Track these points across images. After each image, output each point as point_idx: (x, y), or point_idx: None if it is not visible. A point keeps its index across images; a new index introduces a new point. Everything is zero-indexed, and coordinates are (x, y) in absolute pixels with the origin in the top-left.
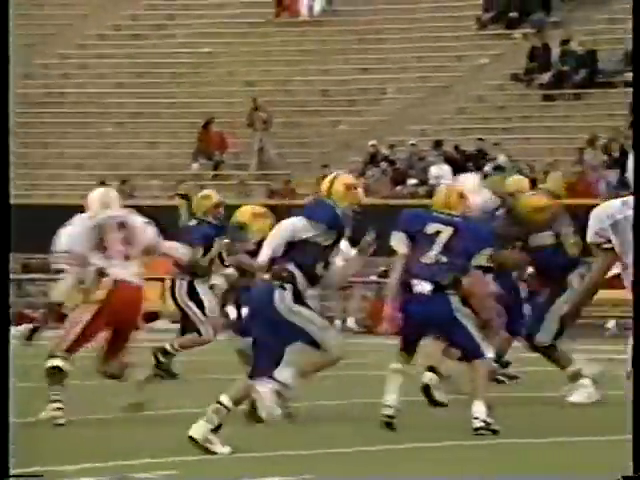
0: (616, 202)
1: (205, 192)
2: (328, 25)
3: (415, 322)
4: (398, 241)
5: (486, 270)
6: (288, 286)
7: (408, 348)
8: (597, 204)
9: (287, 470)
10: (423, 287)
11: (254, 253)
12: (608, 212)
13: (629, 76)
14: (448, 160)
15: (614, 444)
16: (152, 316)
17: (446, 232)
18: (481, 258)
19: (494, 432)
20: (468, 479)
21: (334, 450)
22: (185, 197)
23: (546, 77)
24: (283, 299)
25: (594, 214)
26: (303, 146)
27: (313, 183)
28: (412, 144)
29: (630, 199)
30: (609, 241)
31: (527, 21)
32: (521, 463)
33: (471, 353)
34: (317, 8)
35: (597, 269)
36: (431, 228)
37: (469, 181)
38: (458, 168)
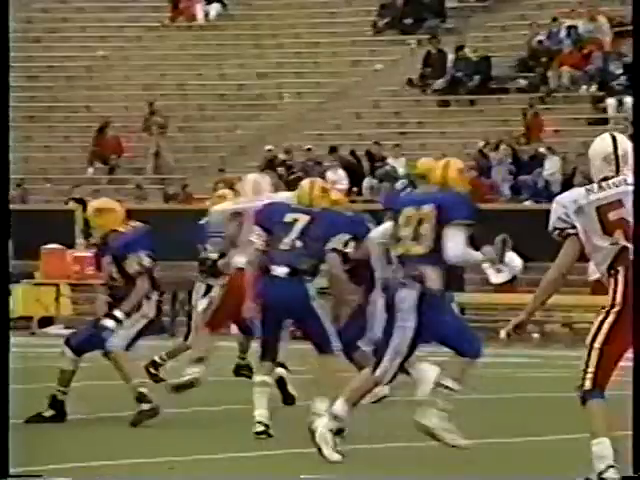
0: (580, 189)
1: (220, 192)
2: (224, 29)
3: (272, 305)
4: (255, 235)
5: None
6: (416, 286)
7: (267, 351)
8: (498, 208)
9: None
10: (279, 270)
11: (99, 247)
12: (572, 198)
13: (522, 82)
14: (344, 165)
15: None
16: (46, 321)
17: (303, 220)
18: (336, 242)
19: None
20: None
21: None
22: (80, 201)
23: (441, 83)
24: (405, 299)
25: (557, 201)
26: (200, 150)
27: (210, 187)
28: (308, 149)
29: (594, 186)
30: (573, 227)
31: (422, 27)
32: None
33: (322, 347)
34: (213, 12)
35: (563, 257)
36: (288, 217)
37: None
38: (354, 173)
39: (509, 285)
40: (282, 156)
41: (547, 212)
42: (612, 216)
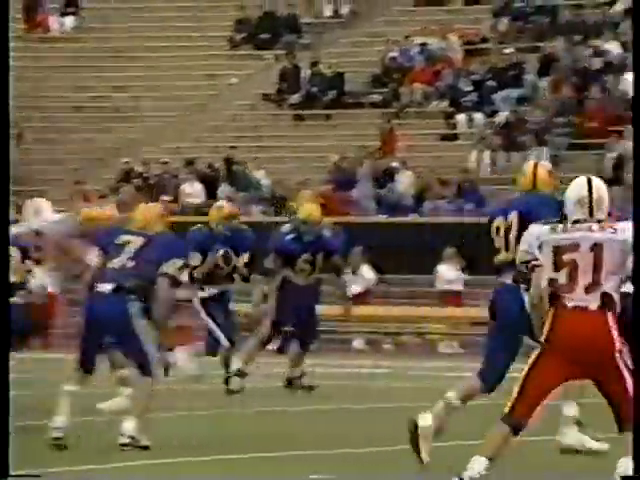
0: (545, 227)
1: (218, 203)
2: (81, 42)
3: (93, 320)
4: (91, 254)
5: None
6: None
7: (86, 363)
8: (353, 222)
9: None
10: (104, 287)
11: None
12: (536, 234)
13: (375, 98)
14: (200, 178)
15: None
16: None
17: (136, 242)
18: (169, 267)
19: (144, 448)
20: None
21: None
22: None
23: (296, 98)
24: (512, 307)
25: (525, 237)
26: (56, 162)
27: (67, 199)
28: (164, 162)
29: (559, 226)
30: (536, 259)
31: (278, 43)
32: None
33: (142, 369)
34: (68, 25)
35: (536, 292)
36: (120, 239)
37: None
38: (211, 185)
39: (363, 297)
40: (139, 168)
41: (399, 226)
42: (565, 257)
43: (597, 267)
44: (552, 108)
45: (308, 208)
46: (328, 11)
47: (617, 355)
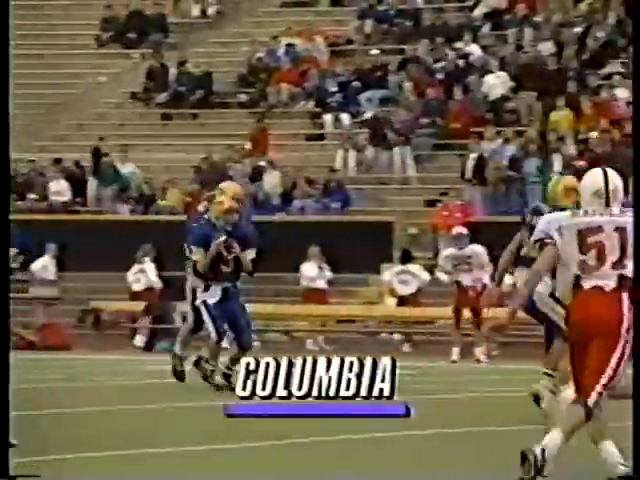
0: (565, 212)
1: (218, 198)
2: None
3: None
4: None
5: None
6: None
7: None
8: None
9: None
10: None
11: None
12: (556, 217)
13: (242, 98)
14: (67, 176)
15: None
16: None
17: None
18: None
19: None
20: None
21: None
22: None
23: (164, 97)
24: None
25: (543, 219)
26: None
27: None
28: (31, 160)
29: (580, 211)
30: (550, 238)
31: (145, 42)
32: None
33: None
34: None
35: (541, 261)
36: None
37: None
38: (77, 183)
39: None
40: None
41: (266, 224)
42: (590, 240)
43: (623, 248)
44: (416, 109)
45: (232, 187)
46: (195, 11)
47: (624, 332)
